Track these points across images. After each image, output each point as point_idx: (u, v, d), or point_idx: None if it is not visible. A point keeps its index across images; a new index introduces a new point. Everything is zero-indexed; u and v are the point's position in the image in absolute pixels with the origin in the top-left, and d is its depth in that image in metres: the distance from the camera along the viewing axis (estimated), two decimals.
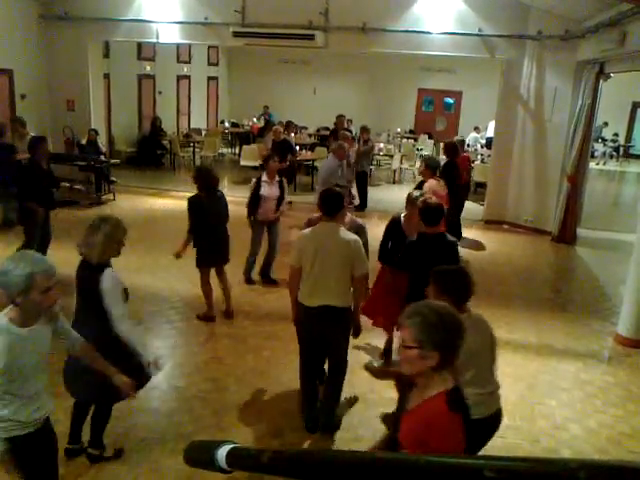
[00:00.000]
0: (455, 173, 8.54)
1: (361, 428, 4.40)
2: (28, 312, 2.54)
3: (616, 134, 19.92)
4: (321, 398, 4.37)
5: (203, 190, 5.84)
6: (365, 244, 4.45)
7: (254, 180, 7.14)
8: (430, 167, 7.18)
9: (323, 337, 4.16)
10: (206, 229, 5.85)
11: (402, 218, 5.12)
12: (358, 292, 4.12)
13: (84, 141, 11.66)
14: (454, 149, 9.03)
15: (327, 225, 4.07)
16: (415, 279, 4.04)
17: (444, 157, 9.53)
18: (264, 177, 7.06)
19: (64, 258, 7.52)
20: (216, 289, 6.15)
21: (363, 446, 4.11)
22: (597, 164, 18.76)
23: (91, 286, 3.42)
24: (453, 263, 4.14)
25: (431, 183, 6.91)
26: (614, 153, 20.27)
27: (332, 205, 4.07)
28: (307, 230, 4.20)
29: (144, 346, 3.65)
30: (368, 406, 4.68)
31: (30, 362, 2.58)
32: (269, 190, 6.99)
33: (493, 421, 3.26)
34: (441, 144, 16.97)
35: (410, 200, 4.96)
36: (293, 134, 14.01)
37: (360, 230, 4.62)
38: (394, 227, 5.13)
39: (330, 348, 4.22)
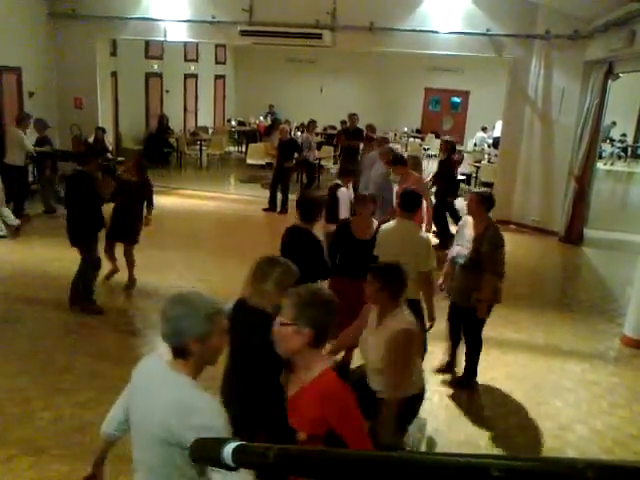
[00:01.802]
0: (454, 167, 9.76)
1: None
2: (202, 363, 2.10)
3: (624, 134, 19.82)
4: None
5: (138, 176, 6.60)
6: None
7: (334, 187, 6.71)
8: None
9: None
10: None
11: (351, 220, 5.04)
12: (426, 285, 4.49)
13: (91, 139, 11.69)
14: (454, 146, 10.00)
15: (403, 221, 4.59)
16: None
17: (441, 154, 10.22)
18: (341, 183, 6.74)
19: (70, 258, 7.54)
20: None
21: None
22: (605, 164, 18.68)
23: (258, 334, 2.73)
24: (315, 260, 4.29)
25: (415, 176, 7.45)
26: (622, 153, 20.16)
27: (410, 203, 4.61)
28: (388, 224, 4.74)
29: None
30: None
31: None
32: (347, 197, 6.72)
33: (422, 395, 3.60)
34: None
35: (360, 198, 5.03)
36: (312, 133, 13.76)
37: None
38: (343, 232, 4.92)
39: None
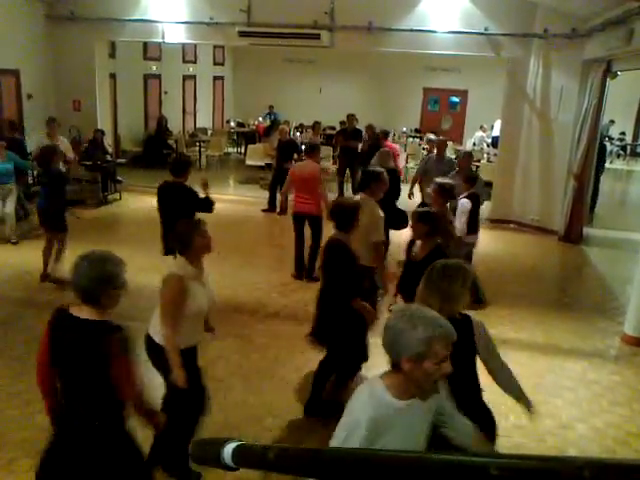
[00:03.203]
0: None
1: None
2: (414, 385, 2.05)
3: (623, 133, 19.83)
4: None
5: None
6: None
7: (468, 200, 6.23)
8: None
9: None
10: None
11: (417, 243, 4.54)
12: (375, 255, 4.81)
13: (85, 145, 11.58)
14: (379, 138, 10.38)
15: (363, 197, 4.98)
16: None
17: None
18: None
19: (69, 260, 7.55)
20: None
21: None
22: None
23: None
24: (343, 276, 4.23)
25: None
26: (621, 152, 20.17)
27: (365, 180, 5.12)
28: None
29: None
30: None
31: (395, 443, 2.05)
32: None
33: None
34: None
35: (412, 217, 4.50)
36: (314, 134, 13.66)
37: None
38: (407, 252, 4.62)
39: None
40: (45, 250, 6.97)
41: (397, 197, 7.75)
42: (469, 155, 8.05)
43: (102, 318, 2.53)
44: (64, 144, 9.38)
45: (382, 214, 4.93)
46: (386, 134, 11.39)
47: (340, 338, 4.30)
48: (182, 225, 3.64)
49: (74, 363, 2.49)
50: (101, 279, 2.48)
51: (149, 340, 3.57)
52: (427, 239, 4.26)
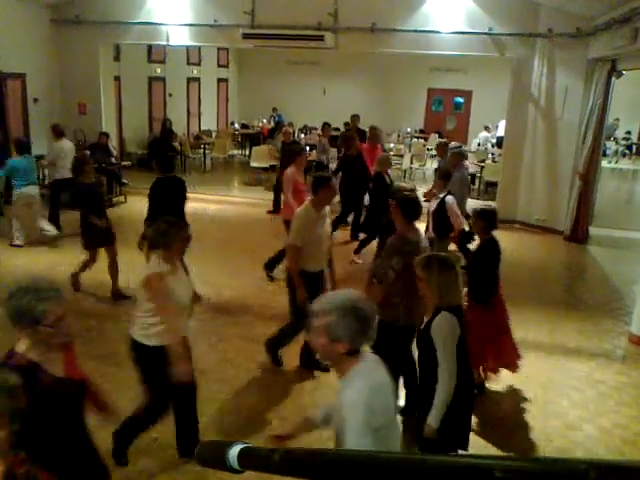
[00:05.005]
0: (351, 165, 9.30)
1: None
2: None
3: (629, 132, 19.75)
4: None
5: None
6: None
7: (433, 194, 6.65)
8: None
9: None
10: None
11: None
12: (287, 257, 5.05)
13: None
14: (346, 140, 9.85)
15: (306, 202, 4.98)
16: None
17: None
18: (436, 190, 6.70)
19: (75, 263, 7.59)
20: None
21: None
22: (609, 162, 18.62)
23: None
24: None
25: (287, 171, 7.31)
26: (627, 151, 20.09)
27: (312, 186, 4.86)
28: None
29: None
30: None
31: None
32: None
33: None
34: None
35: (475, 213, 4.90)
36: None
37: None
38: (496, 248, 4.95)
39: None
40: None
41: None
42: (456, 154, 7.94)
43: (33, 353, 2.34)
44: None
45: (305, 220, 4.77)
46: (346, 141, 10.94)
47: None
48: (167, 225, 3.59)
49: None
50: (12, 315, 2.32)
51: (133, 342, 3.60)
52: (484, 234, 4.78)
